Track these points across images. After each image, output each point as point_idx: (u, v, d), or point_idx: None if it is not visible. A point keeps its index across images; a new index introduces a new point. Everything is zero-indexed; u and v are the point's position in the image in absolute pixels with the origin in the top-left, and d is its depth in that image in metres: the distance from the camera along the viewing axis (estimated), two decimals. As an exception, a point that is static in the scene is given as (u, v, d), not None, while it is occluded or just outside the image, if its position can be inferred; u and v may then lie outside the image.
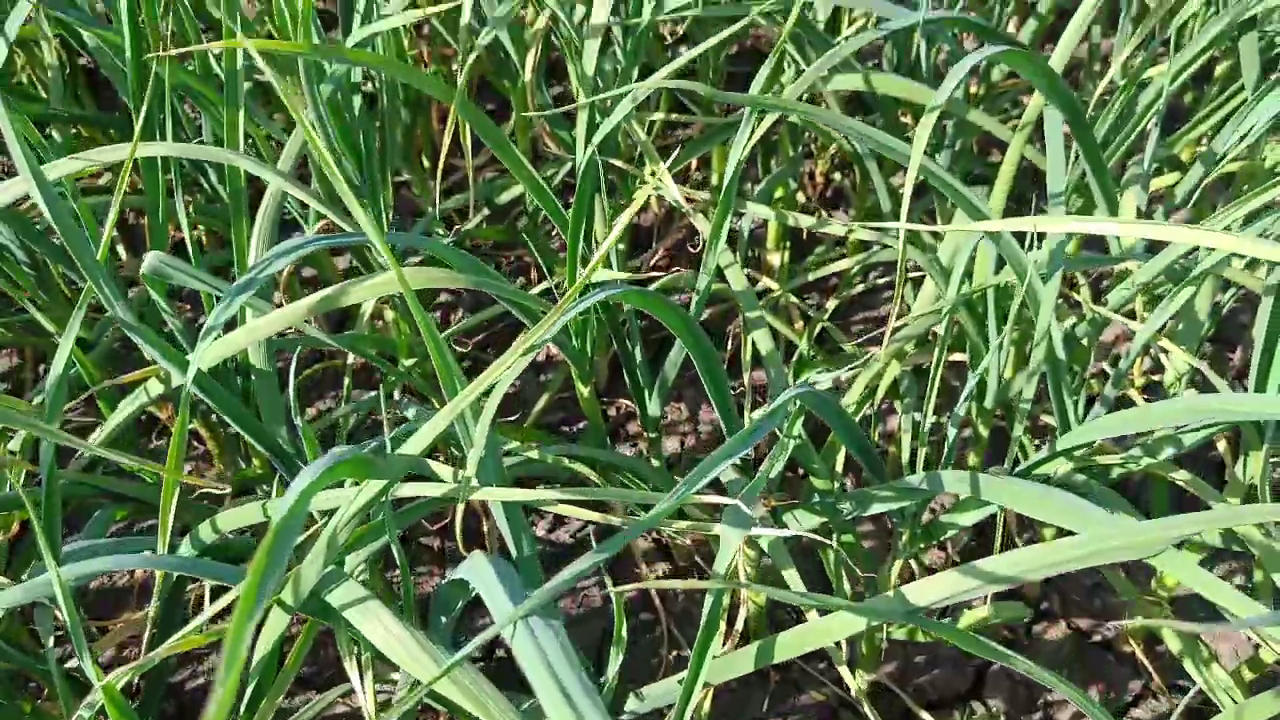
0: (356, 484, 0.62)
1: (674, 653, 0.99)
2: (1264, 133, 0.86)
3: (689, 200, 1.01)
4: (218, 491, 0.76)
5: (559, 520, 1.09)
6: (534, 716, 0.65)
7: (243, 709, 0.67)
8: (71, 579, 0.58)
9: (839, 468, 0.91)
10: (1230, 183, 1.10)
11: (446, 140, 0.83)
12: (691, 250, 1.28)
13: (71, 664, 0.88)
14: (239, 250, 0.85)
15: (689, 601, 1.02)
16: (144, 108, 0.78)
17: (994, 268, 0.84)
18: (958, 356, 0.99)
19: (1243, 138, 0.90)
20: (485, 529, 1.01)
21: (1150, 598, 0.93)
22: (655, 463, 1.02)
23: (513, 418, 1.14)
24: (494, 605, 0.55)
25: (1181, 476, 0.83)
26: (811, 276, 1.12)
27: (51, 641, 0.73)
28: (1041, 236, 0.79)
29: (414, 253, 1.10)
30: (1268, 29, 0.97)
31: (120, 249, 1.28)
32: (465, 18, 0.81)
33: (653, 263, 1.25)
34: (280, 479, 0.82)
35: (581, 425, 1.15)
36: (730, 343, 1.18)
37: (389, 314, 1.09)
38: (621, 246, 1.07)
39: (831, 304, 1.09)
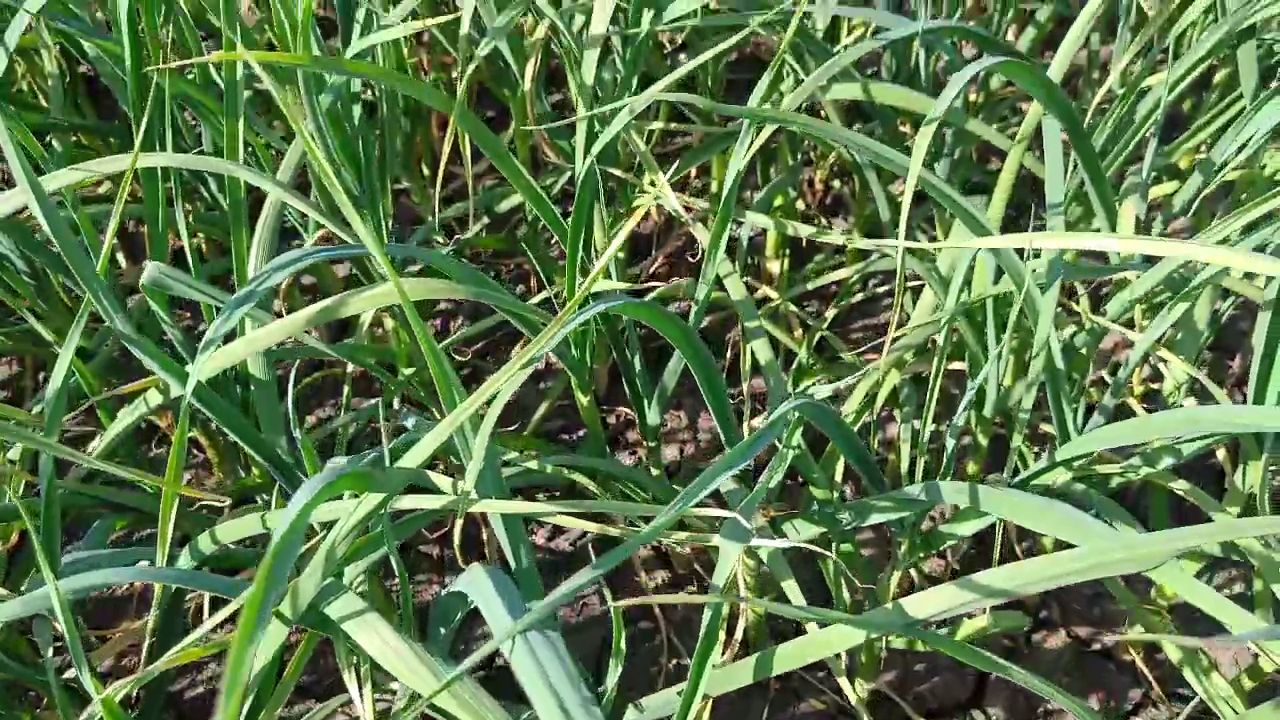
0: (356, 495, 0.62)
1: (674, 661, 0.99)
2: (1263, 142, 0.86)
3: (688, 209, 1.02)
4: (217, 504, 0.76)
5: (558, 528, 1.09)
6: (533, 728, 0.65)
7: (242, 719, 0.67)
8: (70, 592, 0.58)
9: (838, 477, 0.91)
10: (1230, 190, 1.10)
11: (446, 149, 0.83)
12: (691, 260, 1.28)
13: (70, 674, 0.88)
14: (239, 260, 0.85)
15: (689, 609, 1.02)
16: (144, 118, 0.78)
17: (993, 277, 0.84)
18: (957, 365, 0.99)
19: (1241, 148, 0.90)
20: (485, 536, 1.01)
21: (1150, 606, 0.93)
22: (654, 471, 1.02)
23: (512, 427, 1.14)
24: (493, 619, 0.55)
25: (1181, 486, 0.83)
26: (811, 285, 1.12)
27: (50, 652, 0.73)
28: (1040, 246, 0.79)
29: (413, 262, 1.10)
30: (1266, 37, 0.97)
31: (120, 256, 1.28)
32: (465, 28, 0.81)
33: (652, 270, 1.25)
34: (280, 489, 0.82)
35: (581, 433, 1.15)
36: (729, 350, 1.18)
37: (389, 322, 1.09)
38: (621, 254, 1.07)
39: (831, 312, 1.09)
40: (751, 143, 0.79)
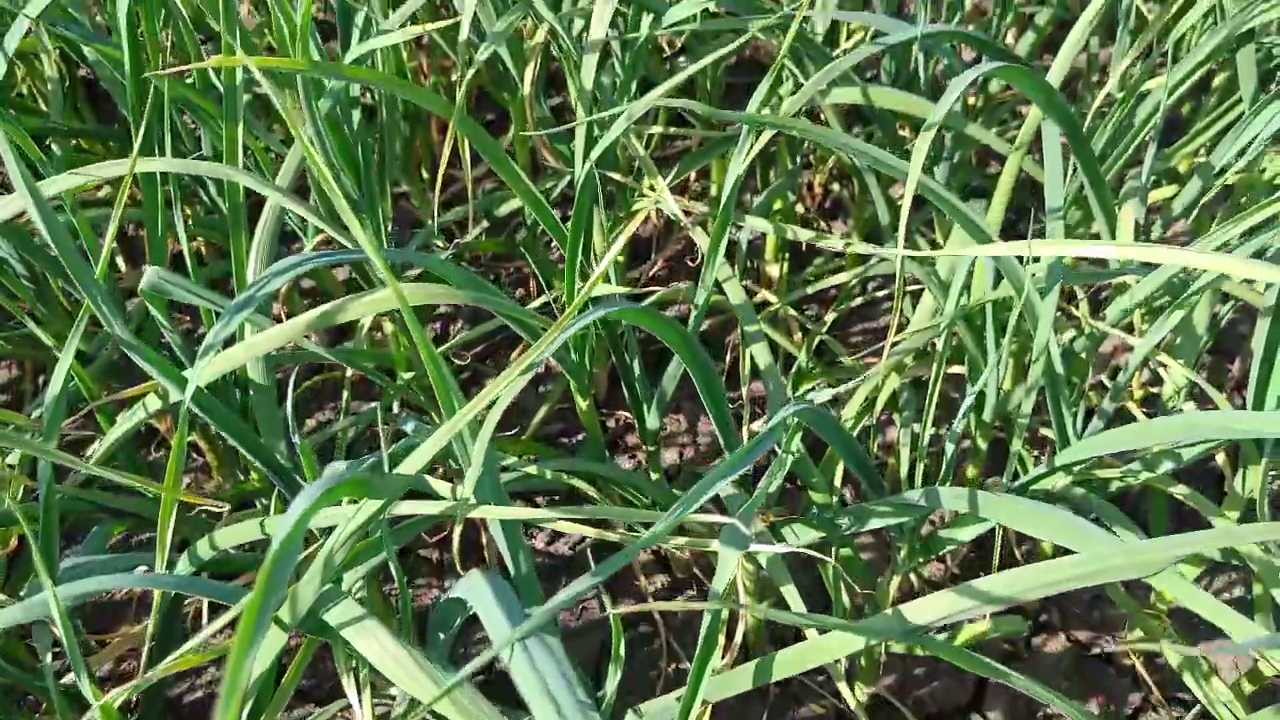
0: (354, 500, 0.62)
1: (673, 665, 0.99)
2: (1263, 147, 0.86)
3: (687, 213, 1.01)
4: (216, 510, 0.76)
5: (558, 532, 1.09)
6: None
7: (241, 726, 0.67)
8: (69, 598, 0.58)
9: (837, 481, 0.91)
10: (1230, 193, 1.10)
11: (445, 153, 0.83)
12: (690, 264, 1.28)
13: (69, 679, 0.87)
14: (238, 264, 0.85)
15: (688, 613, 1.02)
16: (143, 122, 0.78)
17: (992, 282, 0.84)
18: (956, 369, 0.99)
19: (1241, 152, 0.90)
20: (484, 540, 1.01)
21: (1149, 611, 0.92)
22: (654, 475, 1.02)
23: (511, 431, 1.14)
24: (491, 626, 0.55)
25: (1181, 491, 0.83)
26: (810, 290, 1.12)
27: (49, 658, 0.73)
28: (1040, 251, 0.79)
29: (413, 266, 1.10)
30: (1265, 40, 0.97)
31: (120, 260, 1.28)
32: (464, 33, 0.81)
33: (651, 274, 1.25)
34: (279, 493, 0.82)
35: (581, 436, 1.15)
36: (729, 353, 1.18)
37: (388, 326, 1.09)
38: (620, 258, 1.07)
39: (830, 316, 1.09)
40: (751, 148, 0.79)
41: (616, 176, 0.96)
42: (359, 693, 0.68)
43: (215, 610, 0.88)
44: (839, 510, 0.81)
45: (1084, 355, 0.89)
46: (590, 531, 0.63)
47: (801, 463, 0.82)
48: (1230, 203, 1.08)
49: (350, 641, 0.60)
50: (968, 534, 0.79)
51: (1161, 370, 0.90)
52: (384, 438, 0.64)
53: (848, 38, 1.14)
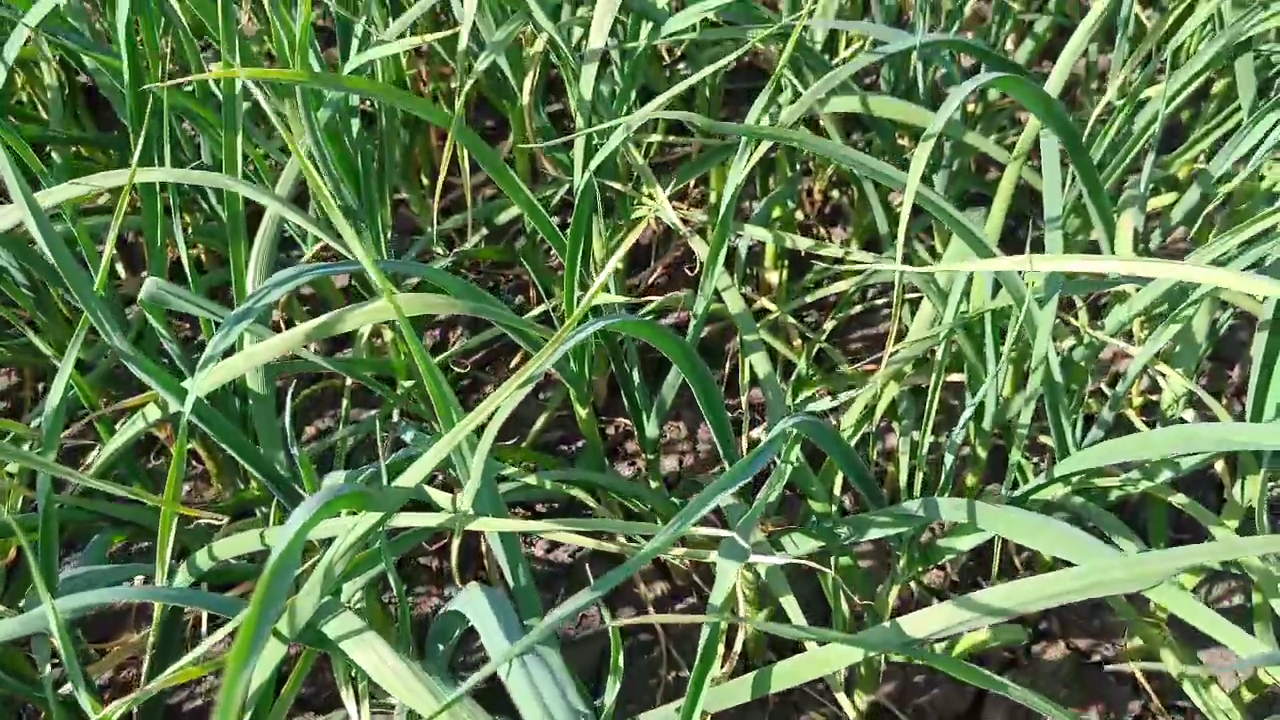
0: (354, 512, 0.62)
1: (673, 673, 0.99)
2: (1261, 156, 0.86)
3: (686, 222, 1.02)
4: (215, 522, 0.76)
5: (557, 540, 1.09)
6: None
7: (240, 737, 0.67)
8: (67, 611, 0.58)
9: (837, 490, 0.91)
10: (1229, 200, 1.10)
11: (445, 162, 0.83)
12: (689, 272, 1.28)
13: (68, 689, 0.88)
14: (237, 273, 0.85)
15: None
16: (143, 132, 0.78)
17: (991, 291, 0.84)
18: (955, 377, 0.99)
19: (1242, 159, 0.90)
20: (484, 548, 1.01)
21: (1149, 619, 0.92)
22: (654, 483, 1.02)
23: (510, 441, 1.14)
24: (489, 641, 0.55)
25: (1180, 500, 0.83)
26: (810, 298, 1.12)
27: (48, 669, 0.73)
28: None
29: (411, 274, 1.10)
30: (1263, 49, 0.97)
31: (119, 266, 1.28)
32: (463, 43, 0.81)
33: (651, 281, 1.25)
34: (278, 503, 0.82)
35: (580, 444, 1.15)
36: (729, 360, 1.18)
37: (388, 333, 1.09)
38: (620, 265, 1.07)
39: (830, 324, 1.10)
40: (750, 158, 0.79)
41: (616, 185, 0.96)
42: (358, 704, 0.69)
43: (215, 620, 0.88)
44: (838, 519, 0.81)
45: (1083, 363, 0.89)
46: (589, 542, 0.63)
47: (801, 472, 0.82)
48: (1229, 210, 1.08)
49: (349, 654, 0.60)
50: (966, 543, 0.79)
51: (1160, 379, 0.90)
52: (382, 450, 0.64)
53: (846, 46, 1.14)
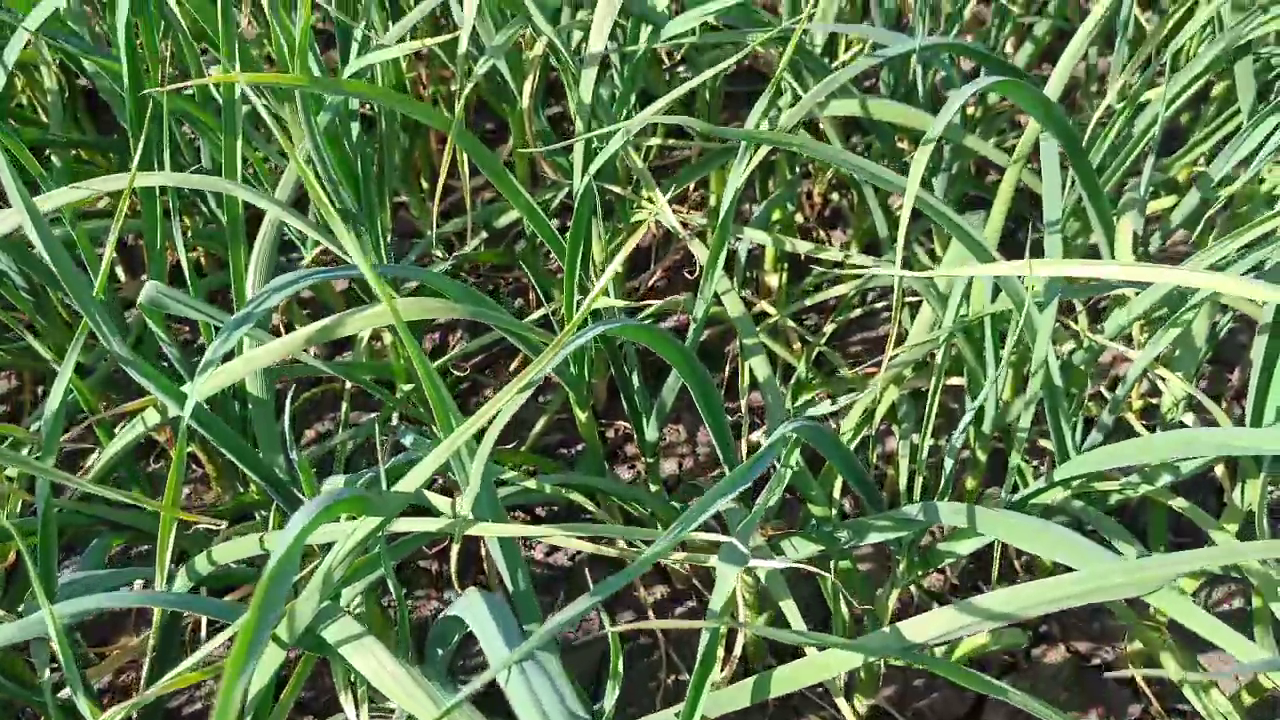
0: (353, 517, 0.62)
1: (672, 676, 0.99)
2: (1262, 159, 0.86)
3: (686, 226, 1.01)
4: (214, 527, 0.76)
5: (557, 543, 1.08)
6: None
7: (239, 742, 0.67)
8: (66, 617, 0.58)
9: (836, 494, 0.91)
10: (1229, 203, 1.10)
11: (444, 165, 0.83)
12: (689, 276, 1.28)
13: (67, 693, 0.87)
14: (236, 278, 0.85)
15: (687, 625, 1.02)
16: (142, 136, 0.78)
17: (990, 295, 0.84)
18: (955, 380, 0.99)
19: (1242, 162, 0.90)
20: (484, 551, 1.01)
21: (1149, 623, 0.92)
22: (653, 487, 1.02)
23: (510, 444, 1.14)
24: (488, 647, 0.55)
25: (1180, 504, 0.83)
26: (809, 301, 1.12)
27: (47, 673, 0.73)
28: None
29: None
30: (1263, 51, 0.97)
31: (119, 269, 1.28)
32: (463, 47, 0.81)
33: (650, 284, 1.25)
34: (278, 507, 0.82)
35: (580, 446, 1.15)
36: (728, 364, 1.18)
37: (388, 336, 1.09)
38: (619, 268, 1.07)
39: (829, 327, 1.10)
40: (750, 161, 0.79)
41: (616, 189, 0.96)
42: (357, 709, 0.68)
43: (215, 623, 0.88)
44: (838, 524, 0.81)
45: (1083, 367, 0.89)
46: (588, 547, 0.63)
47: (800, 476, 0.82)
48: (1229, 213, 1.08)
49: (348, 659, 0.60)
50: (966, 547, 0.79)
51: (1160, 382, 0.90)
52: (381, 455, 0.64)
53: (846, 49, 1.14)
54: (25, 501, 0.85)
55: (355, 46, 0.94)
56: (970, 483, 0.97)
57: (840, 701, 0.75)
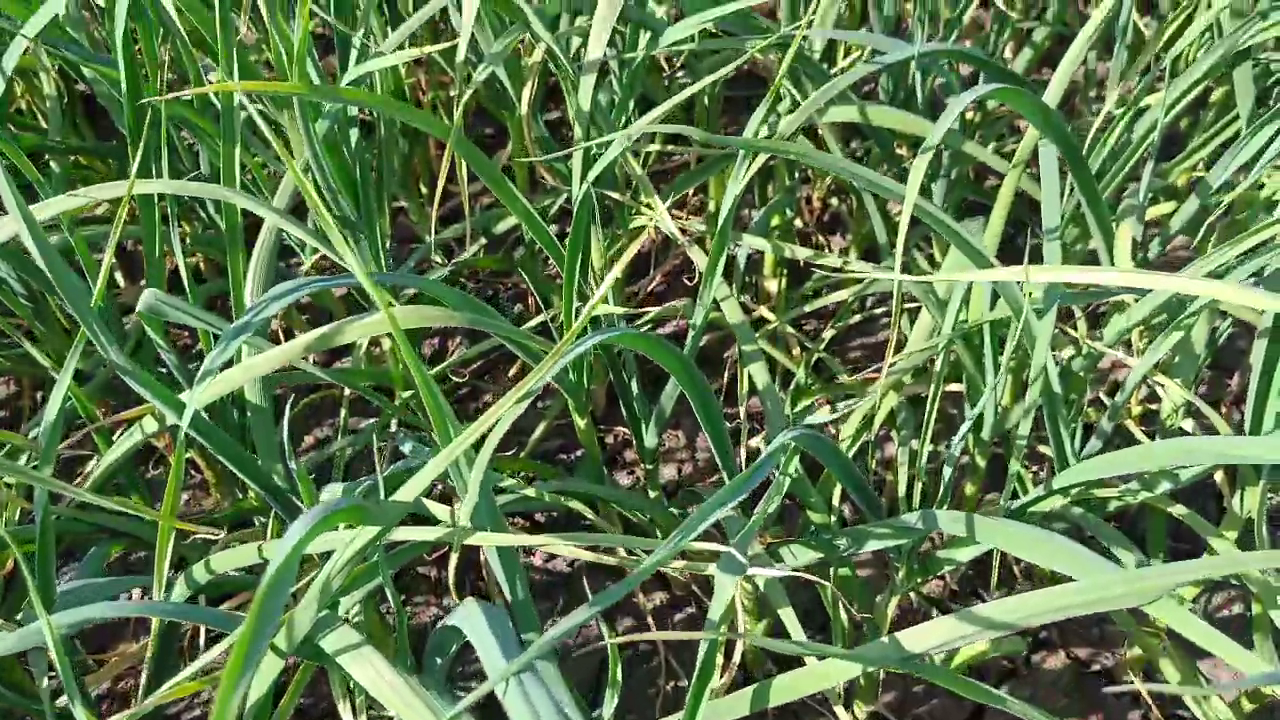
0: (351, 525, 0.62)
1: (671, 683, 0.99)
2: (1261, 166, 0.86)
3: (685, 232, 1.01)
4: (212, 537, 0.76)
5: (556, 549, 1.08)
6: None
7: (237, 751, 0.67)
8: (64, 626, 0.58)
9: (835, 500, 0.91)
10: (1229, 209, 1.10)
11: (443, 171, 0.83)
12: (688, 282, 1.28)
13: (64, 700, 0.87)
14: (235, 285, 0.85)
15: (687, 629, 1.02)
16: (141, 143, 0.78)
17: (989, 302, 0.84)
18: (954, 386, 0.99)
19: (1242, 168, 0.90)
20: (483, 558, 1.01)
21: (1148, 629, 0.92)
22: (652, 493, 1.02)
23: (509, 451, 1.14)
24: (486, 658, 0.55)
25: (1179, 511, 0.83)
26: (808, 308, 1.12)
27: (45, 681, 0.73)
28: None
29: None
30: (1262, 57, 0.97)
31: (118, 275, 1.28)
32: (461, 55, 0.81)
33: (650, 289, 1.25)
34: (277, 514, 0.82)
35: (580, 452, 1.15)
36: (727, 370, 1.18)
37: (387, 342, 1.09)
38: (618, 274, 1.07)
39: (829, 333, 1.09)
40: (749, 168, 0.79)
41: (614, 195, 0.95)
42: (354, 717, 0.68)
43: (213, 631, 0.88)
44: (837, 531, 0.80)
45: (1082, 373, 0.89)
46: (587, 555, 0.63)
47: (800, 483, 0.82)
48: (1229, 219, 1.08)
49: (346, 669, 0.60)
50: (965, 554, 0.79)
51: (1159, 389, 0.90)
52: (379, 463, 0.64)
53: (845, 55, 1.14)
54: (24, 509, 0.85)
55: (354, 53, 0.94)
56: (969, 488, 0.97)
57: (839, 709, 0.75)
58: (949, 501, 0.85)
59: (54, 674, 0.88)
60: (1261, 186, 1.01)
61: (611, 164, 0.82)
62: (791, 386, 1.04)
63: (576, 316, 0.86)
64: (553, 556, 1.08)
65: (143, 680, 0.77)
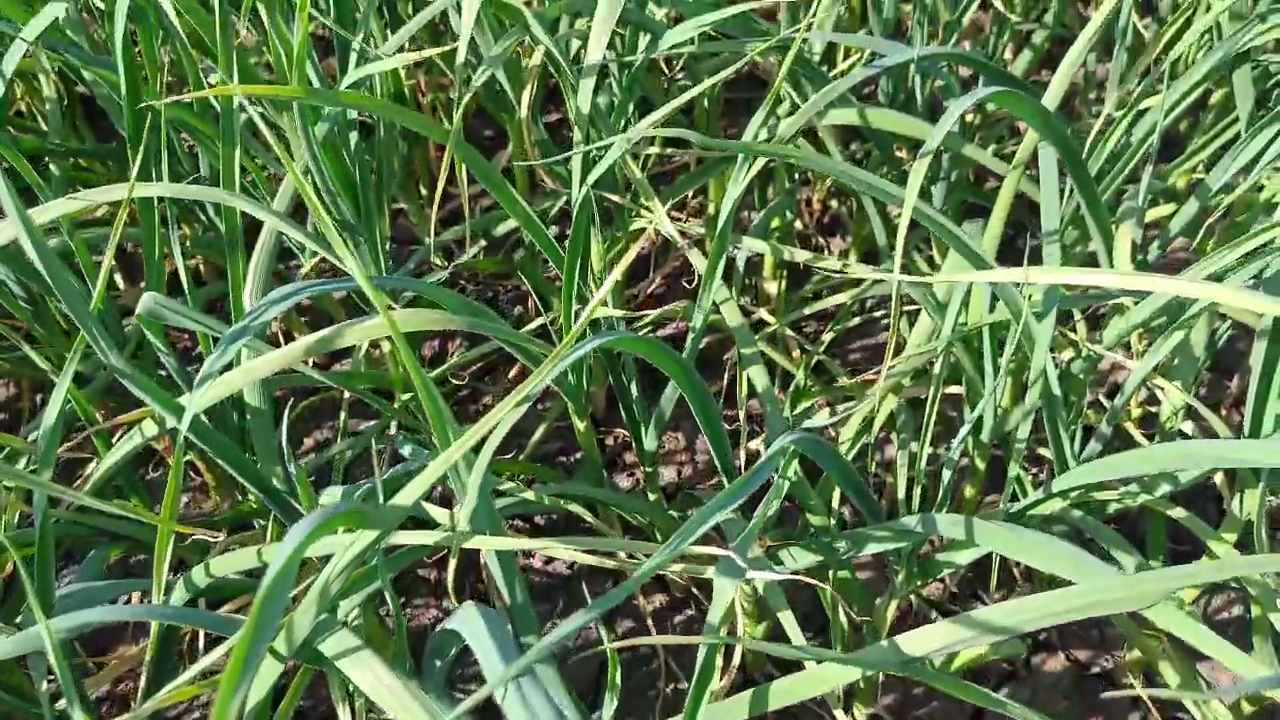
0: (351, 529, 0.62)
1: (671, 685, 0.99)
2: (1261, 169, 0.86)
3: (684, 235, 1.01)
4: (211, 540, 0.76)
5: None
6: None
7: (236, 755, 0.67)
8: (62, 630, 0.58)
9: (835, 503, 0.91)
10: (1228, 211, 1.10)
11: (443, 173, 0.83)
12: (688, 285, 1.28)
13: (63, 703, 0.87)
14: (234, 288, 0.85)
15: (687, 631, 1.02)
16: (140, 147, 0.78)
17: (989, 303, 0.84)
18: (954, 389, 0.99)
19: (1241, 170, 0.90)
20: (482, 560, 1.01)
21: (1148, 631, 0.92)
22: (652, 495, 1.02)
23: (509, 454, 1.14)
24: (485, 662, 0.55)
25: (1179, 514, 0.83)
26: (808, 310, 1.12)
27: (45, 685, 0.73)
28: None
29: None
30: (1261, 59, 0.97)
31: (118, 277, 1.28)
32: (461, 57, 0.81)
33: (650, 291, 1.25)
34: (276, 517, 0.82)
35: (579, 454, 1.15)
36: (727, 372, 1.18)
37: (386, 344, 1.09)
38: (618, 277, 1.07)
39: (828, 335, 1.09)
40: (748, 171, 0.79)
41: (614, 197, 0.96)
42: (355, 721, 0.68)
43: (213, 634, 0.88)
44: (836, 534, 0.81)
45: (1081, 376, 0.89)
46: (587, 559, 0.63)
47: (799, 486, 0.82)
48: (1229, 220, 1.08)
49: (345, 672, 0.60)
50: (965, 558, 0.79)
51: (1159, 391, 0.90)
52: (378, 466, 0.64)
53: (844, 57, 1.14)
54: (23, 512, 0.85)
55: (354, 55, 0.94)
56: (969, 491, 0.97)
57: (839, 713, 0.75)
58: (948, 504, 0.85)
59: (53, 677, 0.88)
60: (1261, 188, 1.01)
61: (611, 167, 0.82)
62: (791, 388, 1.04)
63: (576, 319, 0.86)
64: (552, 559, 1.08)
65: (142, 684, 0.77)
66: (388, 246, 1.03)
